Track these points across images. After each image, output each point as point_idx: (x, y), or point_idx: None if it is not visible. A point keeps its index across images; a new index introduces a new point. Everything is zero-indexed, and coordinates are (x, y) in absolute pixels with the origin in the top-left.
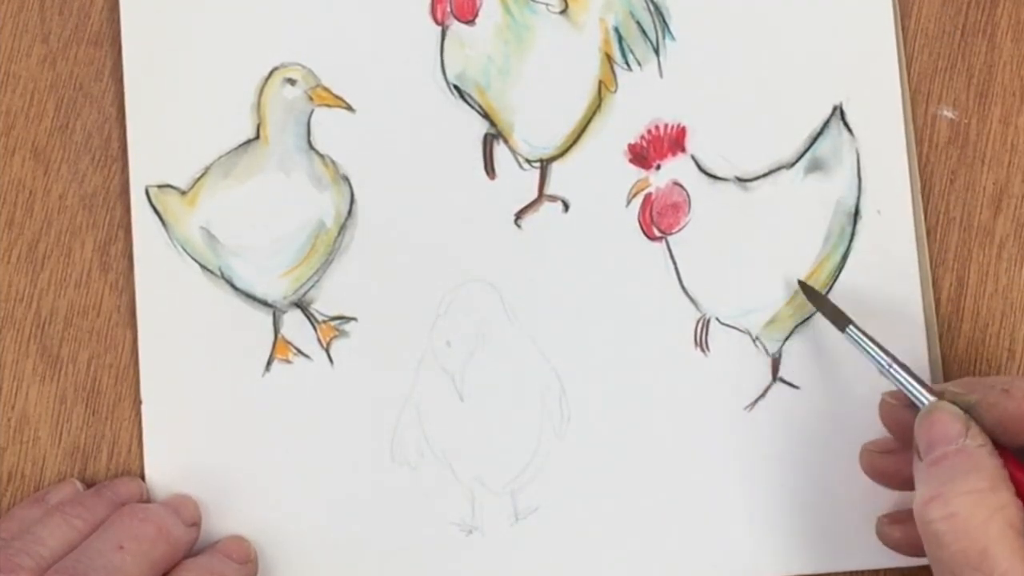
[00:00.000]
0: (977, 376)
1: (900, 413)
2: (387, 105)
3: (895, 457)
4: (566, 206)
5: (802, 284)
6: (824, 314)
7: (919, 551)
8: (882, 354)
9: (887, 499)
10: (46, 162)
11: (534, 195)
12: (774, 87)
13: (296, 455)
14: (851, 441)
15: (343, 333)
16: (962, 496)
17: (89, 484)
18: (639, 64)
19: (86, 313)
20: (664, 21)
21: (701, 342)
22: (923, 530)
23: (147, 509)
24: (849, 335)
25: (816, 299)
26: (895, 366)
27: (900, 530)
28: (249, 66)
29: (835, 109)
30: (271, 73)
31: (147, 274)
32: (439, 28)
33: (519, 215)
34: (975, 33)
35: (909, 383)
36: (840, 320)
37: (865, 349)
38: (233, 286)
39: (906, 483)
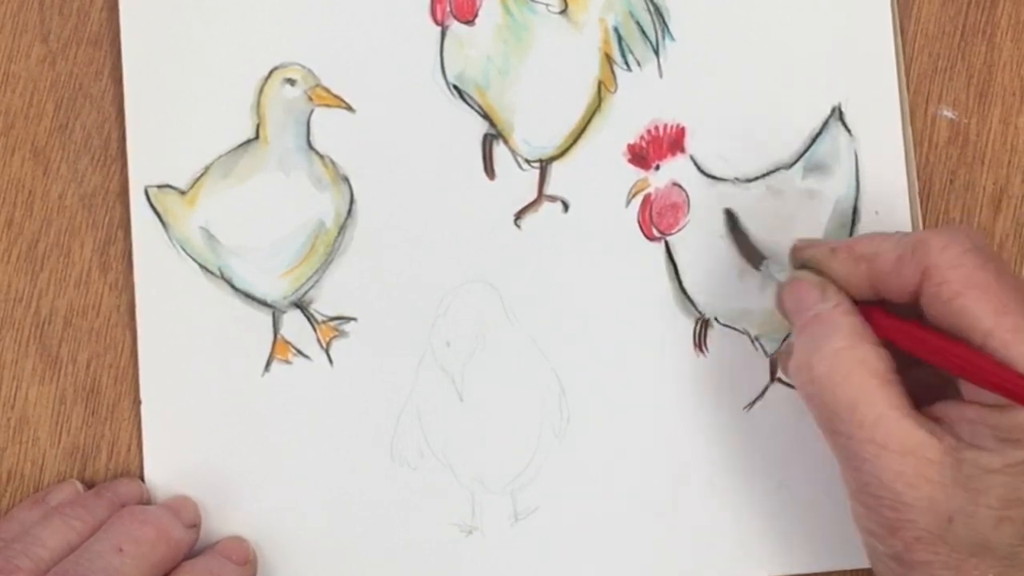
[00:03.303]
0: None
1: None
2: (387, 105)
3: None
4: (566, 206)
5: (727, 212)
6: (742, 253)
7: None
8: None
9: None
10: (46, 162)
11: (534, 195)
12: (773, 87)
13: (296, 455)
14: None
15: (343, 333)
16: (822, 359)
17: (89, 485)
18: (639, 64)
19: (86, 313)
20: (664, 21)
21: (700, 342)
22: (801, 395)
23: (147, 511)
24: (763, 271)
25: (737, 236)
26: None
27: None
28: (249, 66)
29: (834, 109)
30: (271, 73)
31: (147, 274)
32: (439, 28)
33: (519, 215)
34: (975, 33)
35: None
36: (754, 257)
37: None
38: (233, 286)
39: None
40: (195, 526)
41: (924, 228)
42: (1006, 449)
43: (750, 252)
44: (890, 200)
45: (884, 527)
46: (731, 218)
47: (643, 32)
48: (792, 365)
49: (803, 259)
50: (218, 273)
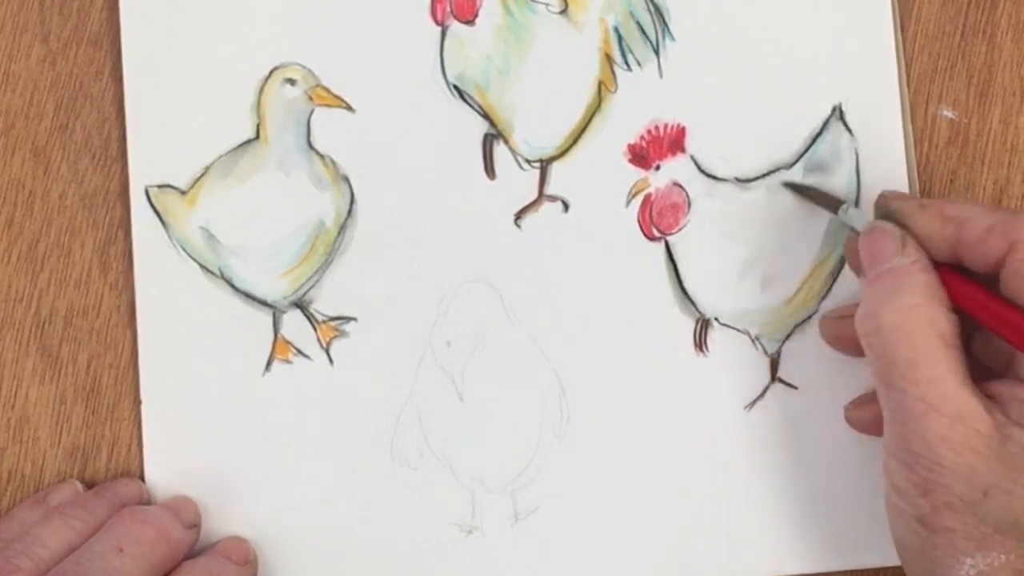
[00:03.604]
0: None
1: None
2: (387, 105)
3: (850, 321)
4: (566, 206)
5: (787, 184)
6: (818, 203)
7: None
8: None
9: None
10: (46, 162)
11: (534, 195)
12: (774, 87)
13: (296, 455)
14: (850, 441)
15: (343, 333)
16: (891, 312)
17: (89, 485)
18: (639, 64)
19: (86, 313)
20: (664, 21)
21: (700, 342)
22: (863, 343)
23: (147, 511)
24: (842, 215)
25: (806, 192)
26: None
27: (867, 411)
28: (249, 66)
29: (835, 109)
30: (271, 73)
31: (147, 274)
32: (439, 28)
33: (519, 215)
34: (975, 33)
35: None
36: (832, 203)
37: (856, 224)
38: (233, 286)
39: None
40: (195, 526)
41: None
42: None
43: (825, 199)
44: None
45: (917, 486)
46: (793, 187)
47: (643, 32)
48: (859, 313)
49: (888, 209)
50: (218, 273)
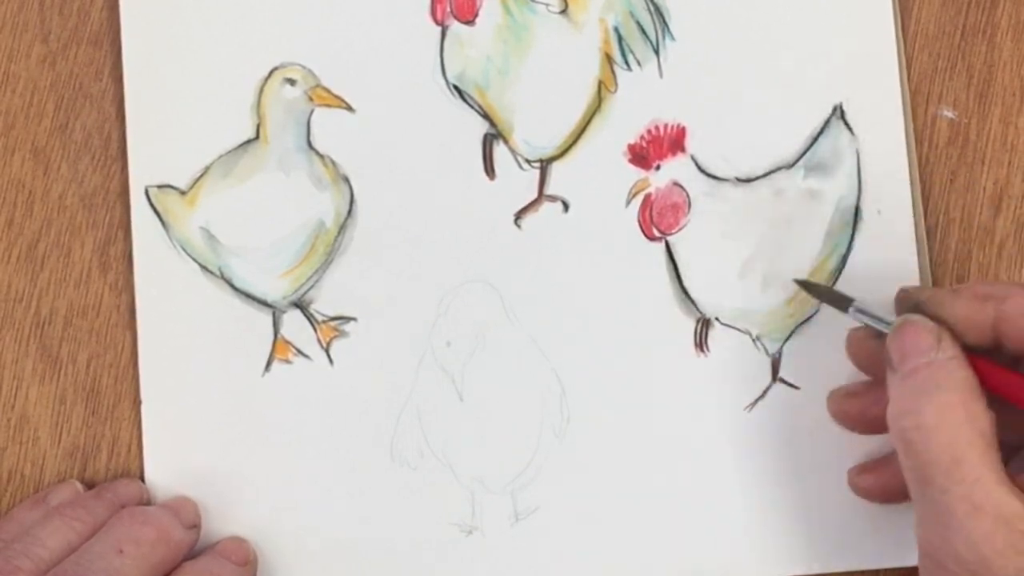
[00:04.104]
0: None
1: (869, 344)
2: (387, 105)
3: (861, 399)
4: (566, 206)
5: (799, 282)
6: (827, 302)
7: (890, 497)
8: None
9: None
10: (46, 162)
11: (534, 195)
12: (774, 87)
13: (296, 455)
14: (850, 441)
15: (343, 333)
16: (934, 408)
17: (89, 485)
18: (639, 64)
19: (86, 313)
20: (664, 21)
21: (701, 342)
22: (897, 440)
23: (147, 512)
24: (853, 313)
25: (815, 291)
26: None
27: (871, 478)
28: (249, 66)
29: (835, 109)
30: (271, 73)
31: (147, 274)
32: (439, 28)
33: (519, 215)
34: (975, 33)
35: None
36: (842, 302)
37: (870, 321)
38: (233, 286)
39: (871, 425)
40: (195, 527)
41: (926, 229)
42: None
43: (833, 297)
44: (892, 199)
45: None
46: (804, 284)
47: (643, 32)
48: (893, 410)
49: (917, 301)
50: (218, 273)
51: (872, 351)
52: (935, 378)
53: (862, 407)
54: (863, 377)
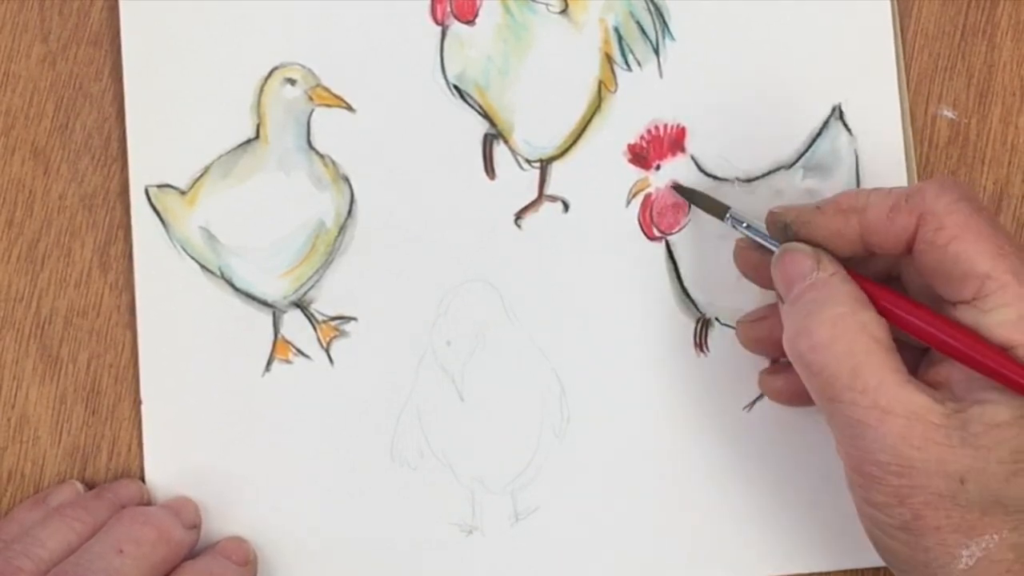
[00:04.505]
0: None
1: (752, 254)
2: (387, 105)
3: (767, 322)
4: (566, 206)
5: (675, 187)
6: (703, 208)
7: (801, 400)
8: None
9: None
10: (46, 162)
11: (534, 195)
12: (774, 87)
13: (296, 455)
14: None
15: (343, 333)
16: (824, 324)
17: (90, 485)
18: (639, 64)
19: (86, 313)
20: (664, 21)
21: (701, 342)
22: (796, 365)
23: (147, 512)
24: (730, 221)
25: (692, 196)
26: (745, 222)
27: (781, 379)
28: (249, 66)
29: (834, 109)
30: (271, 73)
31: (147, 274)
32: (439, 28)
33: (519, 215)
34: (975, 33)
35: (762, 234)
36: (719, 210)
37: (748, 233)
38: (233, 286)
39: (780, 348)
40: (195, 527)
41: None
42: (1012, 399)
43: (708, 204)
44: None
45: (891, 495)
46: (679, 189)
47: (643, 32)
48: (788, 335)
49: (784, 223)
50: (218, 273)
51: (756, 261)
52: (819, 296)
53: (769, 329)
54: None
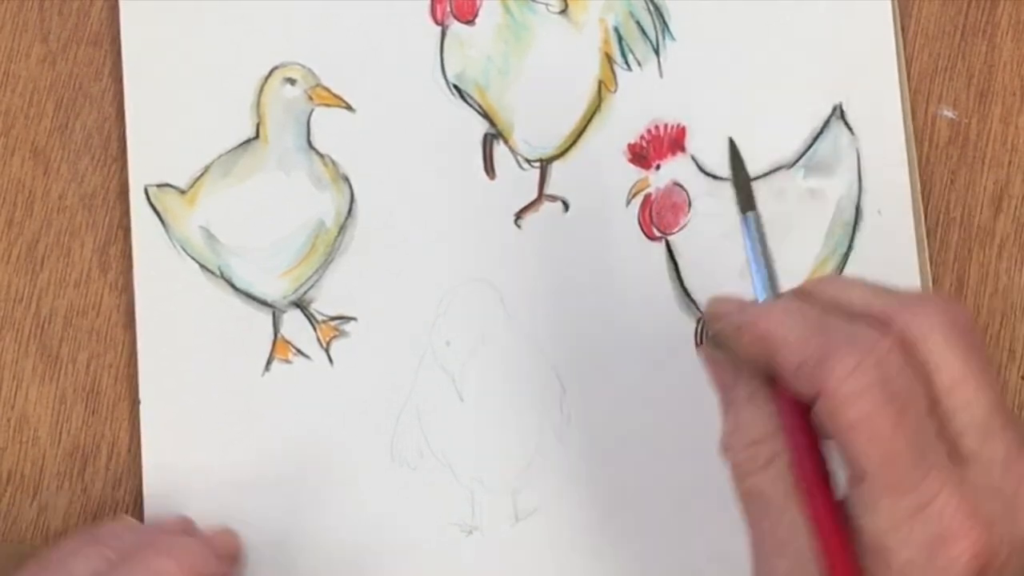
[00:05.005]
0: None
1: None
2: (387, 105)
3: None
4: (566, 206)
5: (732, 143)
6: (737, 186)
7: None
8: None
9: None
10: (46, 162)
11: (534, 195)
12: (774, 87)
13: (296, 455)
14: None
15: (343, 333)
16: (740, 452)
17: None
18: (639, 64)
19: (86, 313)
20: (664, 21)
21: (701, 342)
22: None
23: (173, 543)
24: (743, 227)
25: (737, 165)
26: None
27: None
28: (249, 66)
29: (835, 109)
30: (271, 73)
31: (147, 274)
32: (439, 28)
33: (519, 215)
34: (975, 33)
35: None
36: (747, 202)
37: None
38: (233, 286)
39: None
40: (232, 557)
41: (926, 229)
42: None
43: (746, 192)
44: (892, 199)
45: None
46: (732, 147)
47: (643, 32)
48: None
49: (711, 331)
50: (218, 273)
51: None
52: (736, 417)
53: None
54: None
